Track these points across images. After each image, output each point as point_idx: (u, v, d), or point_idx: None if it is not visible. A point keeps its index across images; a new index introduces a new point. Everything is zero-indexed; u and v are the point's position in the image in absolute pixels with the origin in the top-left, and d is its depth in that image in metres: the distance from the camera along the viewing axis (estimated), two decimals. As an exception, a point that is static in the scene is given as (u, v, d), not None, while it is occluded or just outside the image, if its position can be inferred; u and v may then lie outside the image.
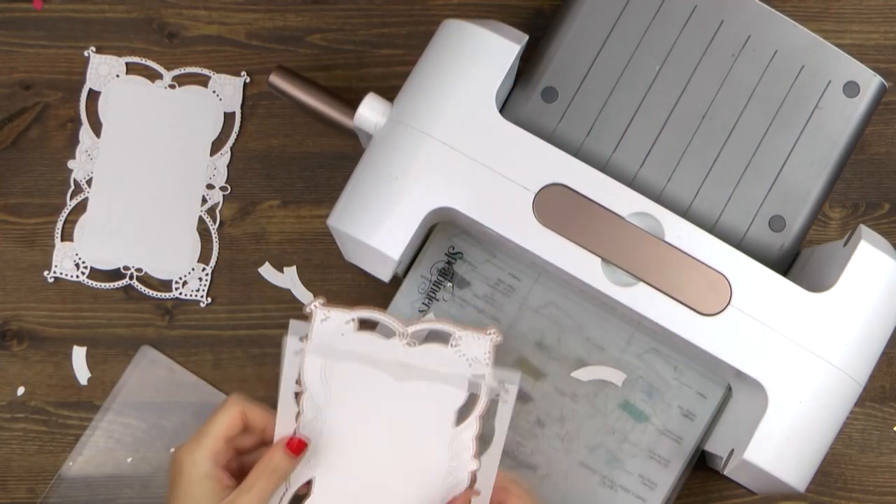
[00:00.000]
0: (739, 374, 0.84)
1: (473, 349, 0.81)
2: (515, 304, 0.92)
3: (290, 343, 0.81)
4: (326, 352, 0.81)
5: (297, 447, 0.79)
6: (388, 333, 0.82)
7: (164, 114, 0.98)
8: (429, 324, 0.82)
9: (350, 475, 0.81)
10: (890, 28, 1.00)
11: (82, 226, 0.97)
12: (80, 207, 0.97)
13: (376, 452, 0.82)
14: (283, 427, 0.81)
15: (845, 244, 0.86)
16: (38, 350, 0.96)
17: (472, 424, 0.81)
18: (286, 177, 0.98)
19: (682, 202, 0.89)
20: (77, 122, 0.98)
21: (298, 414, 0.81)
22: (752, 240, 0.90)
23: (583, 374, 0.92)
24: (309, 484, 0.81)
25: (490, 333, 0.82)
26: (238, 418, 0.80)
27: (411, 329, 0.82)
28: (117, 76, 0.98)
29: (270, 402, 0.96)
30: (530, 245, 0.84)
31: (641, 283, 0.84)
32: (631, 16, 0.91)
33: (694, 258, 0.84)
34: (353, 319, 0.82)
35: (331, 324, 0.82)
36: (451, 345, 0.82)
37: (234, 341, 0.96)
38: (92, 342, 0.96)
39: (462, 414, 0.82)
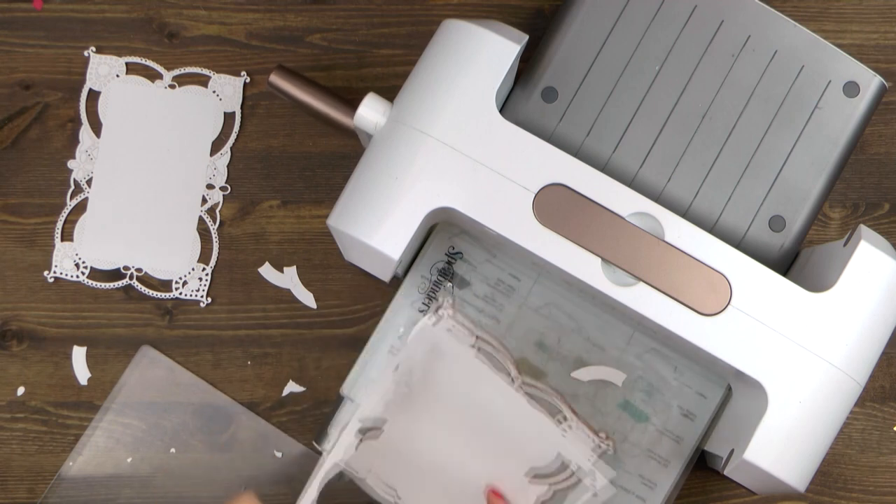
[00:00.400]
0: (739, 374, 0.84)
1: (576, 442, 0.83)
2: (515, 304, 0.92)
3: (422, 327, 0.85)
4: (432, 353, 0.83)
5: None
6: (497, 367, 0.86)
7: (164, 114, 0.98)
8: (548, 395, 0.85)
9: (416, 458, 0.84)
10: (890, 28, 1.00)
11: (82, 226, 0.97)
12: (80, 207, 0.97)
13: (441, 447, 0.84)
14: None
15: (845, 244, 0.86)
16: (38, 350, 0.96)
17: (543, 487, 0.82)
18: (286, 177, 0.98)
19: (682, 202, 0.89)
20: (77, 122, 0.98)
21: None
22: (752, 240, 0.90)
23: (583, 374, 0.92)
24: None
25: (605, 441, 0.83)
26: None
27: (524, 380, 0.84)
28: (117, 76, 0.98)
29: (271, 402, 0.96)
30: (530, 245, 0.84)
31: (641, 283, 0.84)
32: (631, 16, 0.91)
33: (694, 258, 0.84)
34: (475, 336, 0.84)
35: (453, 332, 0.83)
36: (559, 421, 0.84)
37: (234, 341, 0.96)
38: (92, 342, 0.96)
39: (538, 473, 0.83)
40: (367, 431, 0.87)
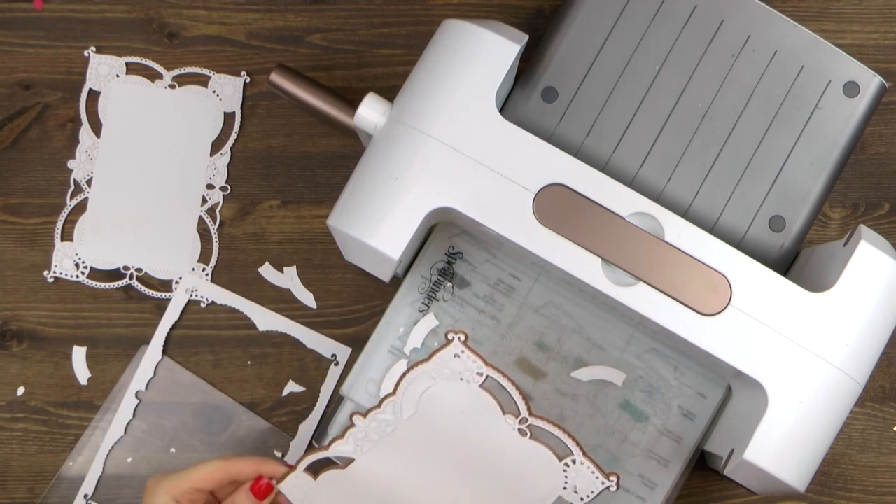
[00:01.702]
0: (739, 374, 0.84)
1: (581, 481, 0.81)
2: (515, 304, 0.92)
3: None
4: (437, 382, 0.81)
5: (262, 491, 0.81)
6: (507, 404, 0.82)
7: (164, 114, 0.98)
8: (555, 429, 0.81)
9: (384, 491, 0.81)
10: (890, 28, 1.00)
11: (82, 226, 0.97)
12: (80, 207, 0.97)
13: (414, 490, 0.81)
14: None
15: (845, 244, 0.86)
16: (38, 350, 0.96)
17: None
18: (286, 177, 0.98)
19: (682, 202, 0.89)
20: (77, 122, 0.98)
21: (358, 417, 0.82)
22: (752, 240, 0.90)
23: (583, 374, 0.92)
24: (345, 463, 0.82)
25: (610, 481, 0.81)
26: (218, 474, 0.82)
27: (533, 421, 0.82)
28: (117, 76, 0.98)
29: (271, 402, 0.96)
30: (530, 245, 0.84)
31: (641, 283, 0.84)
32: (631, 16, 0.91)
33: (694, 258, 0.84)
34: (482, 375, 0.82)
35: (458, 364, 0.82)
36: (564, 463, 0.81)
37: (234, 341, 0.96)
38: (92, 342, 0.96)
39: None
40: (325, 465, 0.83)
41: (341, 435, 0.82)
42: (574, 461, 0.81)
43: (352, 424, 0.82)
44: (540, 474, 0.81)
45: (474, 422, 0.81)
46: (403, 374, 0.82)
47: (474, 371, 0.81)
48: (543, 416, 0.82)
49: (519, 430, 0.81)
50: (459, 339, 0.82)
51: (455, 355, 0.82)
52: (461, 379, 0.81)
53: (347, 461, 0.82)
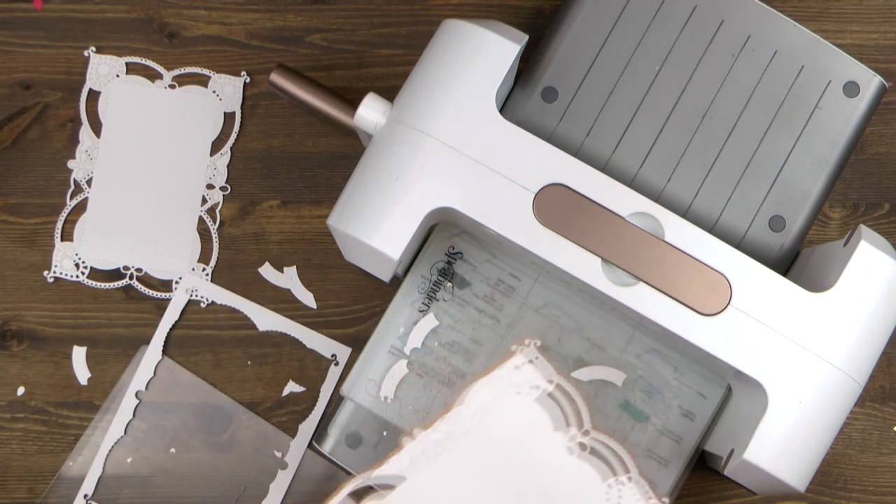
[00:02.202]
0: (739, 374, 0.84)
1: (633, 500, 0.81)
2: (515, 304, 0.92)
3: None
4: (501, 393, 0.81)
5: None
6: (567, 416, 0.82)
7: (164, 114, 0.98)
8: (614, 443, 0.81)
9: None
10: (890, 28, 1.00)
11: (82, 226, 0.97)
12: (80, 207, 0.97)
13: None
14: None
15: (845, 244, 0.86)
16: (38, 350, 0.96)
17: None
18: (286, 177, 0.98)
19: (682, 202, 0.90)
20: (77, 122, 0.98)
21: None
22: (752, 240, 0.90)
23: (583, 374, 0.92)
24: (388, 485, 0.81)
25: (663, 501, 0.81)
26: None
27: (594, 435, 0.81)
28: (117, 76, 0.98)
29: (271, 402, 0.96)
30: (530, 245, 0.84)
31: (641, 283, 0.84)
32: (631, 16, 0.91)
33: (694, 258, 0.84)
34: (552, 382, 0.81)
35: (527, 372, 0.81)
36: (616, 478, 0.81)
37: (234, 341, 0.96)
38: (92, 342, 0.96)
39: None
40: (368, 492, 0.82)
41: (396, 450, 0.81)
42: (630, 478, 0.81)
43: (411, 436, 0.81)
44: (587, 498, 0.81)
45: (532, 437, 0.81)
46: (468, 386, 0.81)
47: (544, 379, 0.81)
48: (603, 430, 0.81)
49: (580, 443, 0.81)
50: (536, 344, 0.81)
51: (530, 360, 0.81)
52: (531, 387, 0.81)
53: (391, 485, 0.81)
